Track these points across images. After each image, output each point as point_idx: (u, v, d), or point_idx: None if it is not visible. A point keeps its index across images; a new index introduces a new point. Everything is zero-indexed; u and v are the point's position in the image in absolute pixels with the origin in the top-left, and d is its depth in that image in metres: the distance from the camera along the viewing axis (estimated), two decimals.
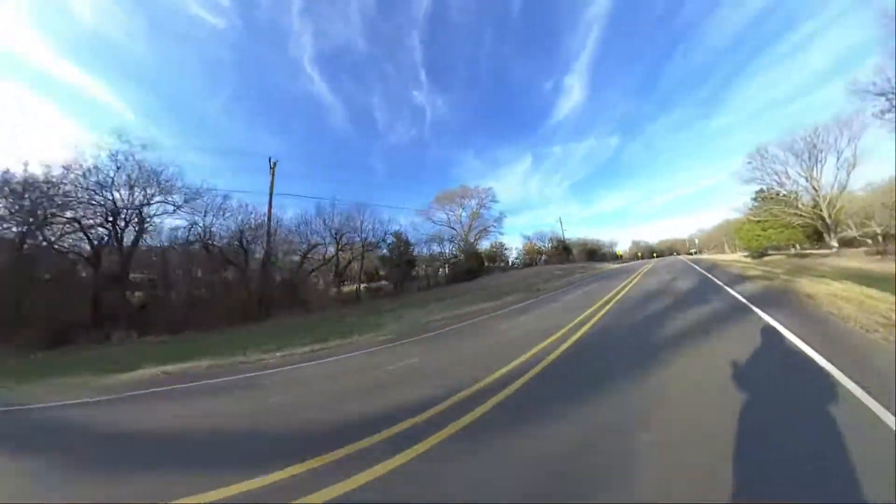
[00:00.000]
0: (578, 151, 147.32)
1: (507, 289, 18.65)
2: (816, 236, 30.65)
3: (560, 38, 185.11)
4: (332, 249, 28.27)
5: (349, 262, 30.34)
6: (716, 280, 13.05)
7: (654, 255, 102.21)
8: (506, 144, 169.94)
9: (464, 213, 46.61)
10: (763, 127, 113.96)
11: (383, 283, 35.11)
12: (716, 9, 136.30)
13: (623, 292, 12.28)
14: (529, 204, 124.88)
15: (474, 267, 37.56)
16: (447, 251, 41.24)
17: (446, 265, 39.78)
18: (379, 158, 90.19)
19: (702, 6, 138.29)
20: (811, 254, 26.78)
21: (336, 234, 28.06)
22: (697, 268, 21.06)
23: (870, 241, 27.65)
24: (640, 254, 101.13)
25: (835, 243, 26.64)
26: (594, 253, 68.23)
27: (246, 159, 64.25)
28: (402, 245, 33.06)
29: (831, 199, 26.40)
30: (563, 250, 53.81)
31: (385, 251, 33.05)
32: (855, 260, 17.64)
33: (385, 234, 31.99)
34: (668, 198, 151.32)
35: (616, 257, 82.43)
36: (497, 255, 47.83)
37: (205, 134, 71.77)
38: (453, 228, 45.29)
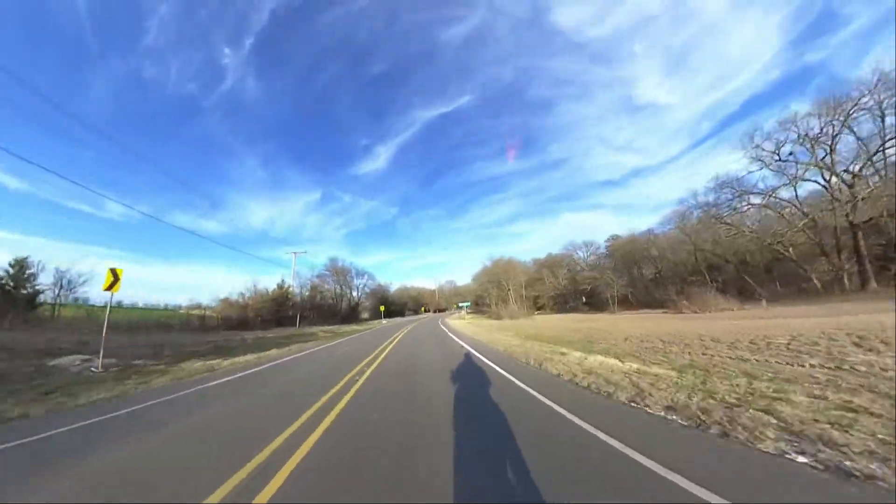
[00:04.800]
0: (364, 207, 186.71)
1: None
2: None
3: (395, 111, 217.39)
4: None
5: None
6: None
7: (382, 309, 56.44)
8: (300, 168, 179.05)
9: None
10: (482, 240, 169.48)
11: None
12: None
13: None
14: (300, 238, 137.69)
15: None
16: None
17: None
18: None
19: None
20: None
21: None
22: None
23: None
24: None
25: None
26: None
27: None
28: None
29: None
30: None
31: None
32: None
33: None
34: (419, 263, 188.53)
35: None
36: None
37: None
38: None
